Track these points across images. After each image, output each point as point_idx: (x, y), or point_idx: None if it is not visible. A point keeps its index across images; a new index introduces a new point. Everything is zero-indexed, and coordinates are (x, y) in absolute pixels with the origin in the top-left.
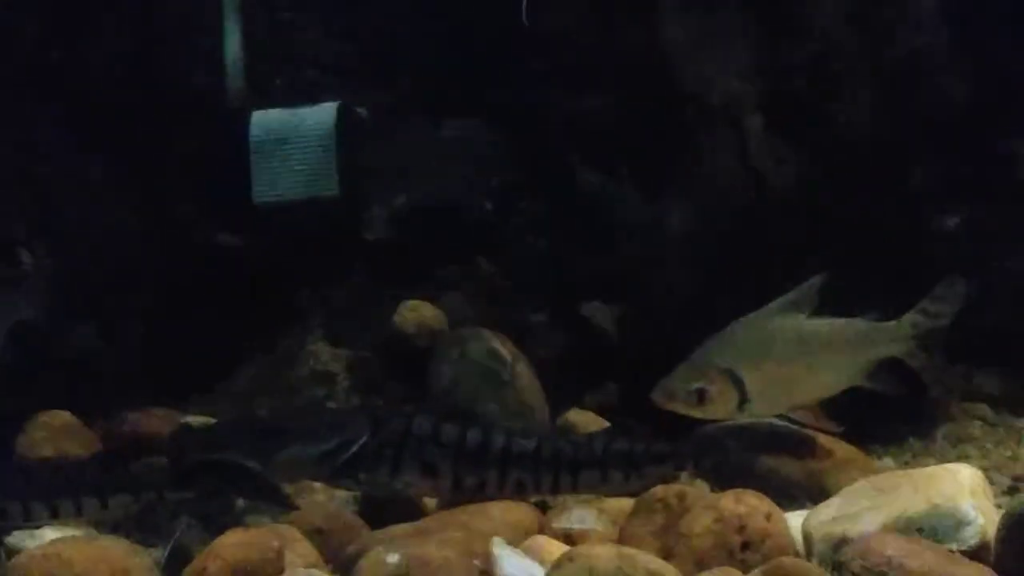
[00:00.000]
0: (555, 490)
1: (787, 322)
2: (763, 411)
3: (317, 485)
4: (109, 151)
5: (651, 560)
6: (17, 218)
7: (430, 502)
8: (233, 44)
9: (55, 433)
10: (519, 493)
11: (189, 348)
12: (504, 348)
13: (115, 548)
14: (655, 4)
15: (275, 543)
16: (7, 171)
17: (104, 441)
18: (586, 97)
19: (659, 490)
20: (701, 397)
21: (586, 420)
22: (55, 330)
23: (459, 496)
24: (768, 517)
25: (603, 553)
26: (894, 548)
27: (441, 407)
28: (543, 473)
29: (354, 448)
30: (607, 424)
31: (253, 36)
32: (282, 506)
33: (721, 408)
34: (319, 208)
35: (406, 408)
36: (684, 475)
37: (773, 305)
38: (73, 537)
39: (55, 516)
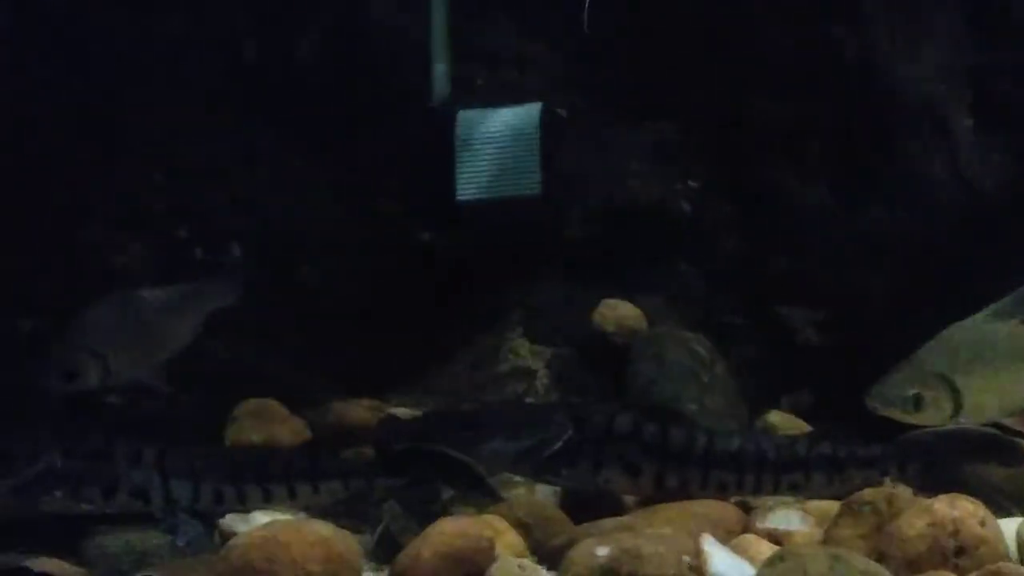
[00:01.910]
0: (757, 491)
1: (1001, 328)
2: (976, 418)
3: (517, 478)
4: (315, 148)
5: (864, 562)
6: (227, 211)
7: (628, 498)
8: (439, 44)
9: (264, 420)
10: (720, 493)
11: (392, 342)
12: (703, 349)
13: (328, 533)
14: (859, 6)
15: (487, 532)
16: (218, 166)
17: (312, 429)
18: (785, 99)
19: (867, 493)
20: (917, 403)
21: (785, 422)
22: (257, 321)
23: (660, 494)
24: (982, 523)
25: (816, 553)
26: None
27: (643, 406)
28: (746, 474)
29: (557, 444)
30: (807, 426)
31: (458, 36)
32: (489, 497)
33: (936, 414)
34: (521, 207)
35: (608, 406)
36: (887, 479)
37: (987, 311)
38: (287, 521)
39: (268, 500)
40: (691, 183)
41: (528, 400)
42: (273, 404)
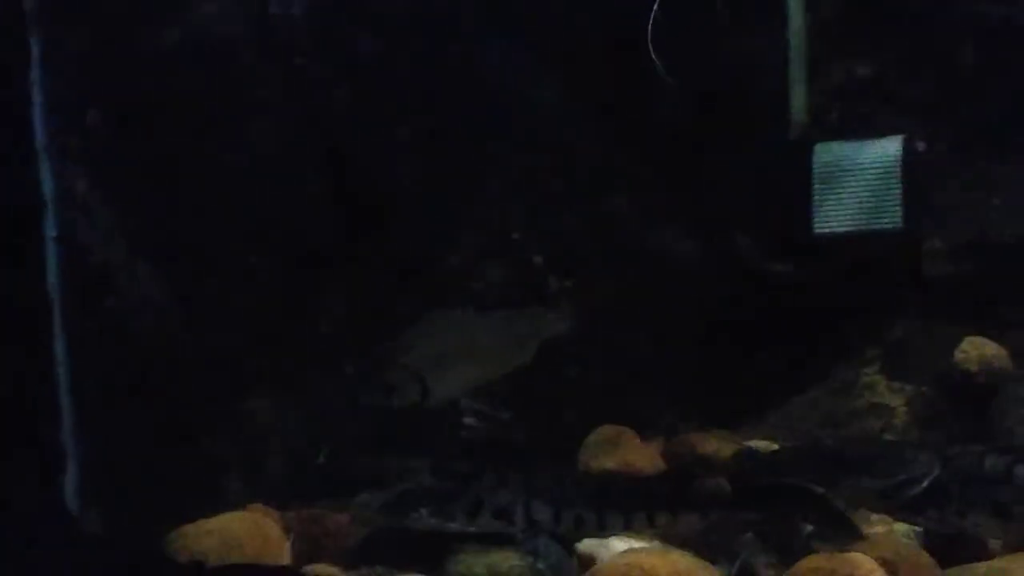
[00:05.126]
0: None
1: None
2: None
3: (875, 516)
4: (674, 179)
5: None
6: (582, 239)
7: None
8: (797, 76)
9: (618, 447)
10: None
11: (745, 373)
12: None
13: (690, 563)
14: None
15: (859, 571)
16: (576, 195)
17: (664, 458)
18: None
19: None
20: None
21: None
22: (612, 348)
23: None
24: None
25: None
26: None
27: (1013, 447)
28: None
29: (924, 484)
30: None
31: (817, 67)
32: (851, 534)
33: None
34: (879, 240)
35: (975, 446)
36: None
37: None
38: (650, 549)
39: (628, 527)
40: None
41: (886, 437)
42: (627, 432)
